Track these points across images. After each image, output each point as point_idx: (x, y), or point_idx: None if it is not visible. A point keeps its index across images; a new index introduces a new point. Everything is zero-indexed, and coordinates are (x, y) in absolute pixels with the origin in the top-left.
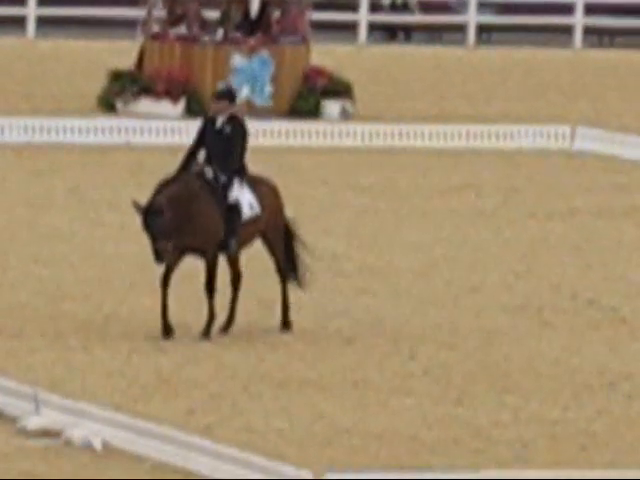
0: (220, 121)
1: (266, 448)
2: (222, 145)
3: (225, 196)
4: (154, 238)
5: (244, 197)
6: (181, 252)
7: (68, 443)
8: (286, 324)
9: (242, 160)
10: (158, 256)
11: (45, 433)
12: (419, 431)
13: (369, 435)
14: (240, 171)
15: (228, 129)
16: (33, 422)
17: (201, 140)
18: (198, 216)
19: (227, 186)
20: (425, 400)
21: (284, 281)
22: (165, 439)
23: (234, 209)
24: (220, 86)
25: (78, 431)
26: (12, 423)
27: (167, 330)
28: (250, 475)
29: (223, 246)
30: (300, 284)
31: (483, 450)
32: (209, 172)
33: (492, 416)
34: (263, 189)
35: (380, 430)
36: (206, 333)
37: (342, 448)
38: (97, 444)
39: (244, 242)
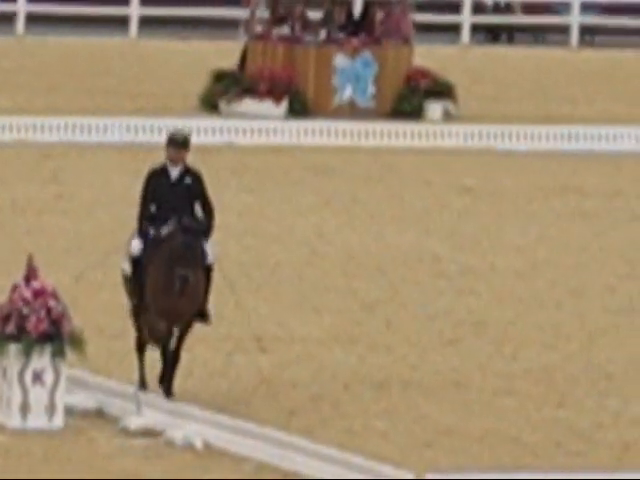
0: (176, 172)
1: (367, 449)
2: (183, 198)
3: (203, 255)
4: (192, 262)
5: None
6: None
7: (169, 443)
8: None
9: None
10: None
11: (146, 433)
12: (520, 433)
13: (470, 436)
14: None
15: (188, 180)
16: (135, 422)
17: (150, 198)
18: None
19: (203, 244)
20: (527, 402)
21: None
22: (266, 440)
23: (210, 269)
24: (175, 132)
25: (179, 431)
26: (114, 423)
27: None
28: (350, 475)
29: (201, 314)
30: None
31: (584, 452)
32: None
33: (594, 418)
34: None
35: (481, 431)
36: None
37: (443, 449)
38: (198, 444)
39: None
